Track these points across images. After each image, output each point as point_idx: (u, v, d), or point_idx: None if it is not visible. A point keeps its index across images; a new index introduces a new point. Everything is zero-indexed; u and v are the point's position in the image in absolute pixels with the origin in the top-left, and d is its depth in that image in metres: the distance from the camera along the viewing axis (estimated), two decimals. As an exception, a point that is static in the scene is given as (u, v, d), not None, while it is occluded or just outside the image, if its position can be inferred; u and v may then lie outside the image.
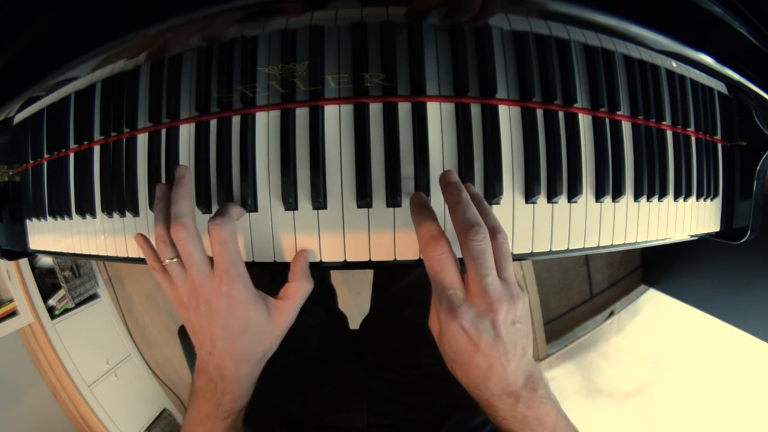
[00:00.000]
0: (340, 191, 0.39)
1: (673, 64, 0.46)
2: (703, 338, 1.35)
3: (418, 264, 0.40)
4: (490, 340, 0.31)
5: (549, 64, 0.40)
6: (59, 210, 0.52)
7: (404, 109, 0.39)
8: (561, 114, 0.41)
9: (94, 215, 0.49)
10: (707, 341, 1.33)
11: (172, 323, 1.69)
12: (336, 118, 0.39)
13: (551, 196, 0.40)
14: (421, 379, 0.57)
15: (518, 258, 0.42)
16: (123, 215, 0.46)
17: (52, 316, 1.40)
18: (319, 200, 0.39)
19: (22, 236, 0.61)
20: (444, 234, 0.33)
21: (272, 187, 0.40)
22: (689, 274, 1.43)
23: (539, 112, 0.41)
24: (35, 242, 0.60)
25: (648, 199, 0.46)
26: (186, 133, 0.43)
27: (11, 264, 1.27)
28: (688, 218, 0.51)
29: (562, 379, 1.59)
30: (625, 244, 0.45)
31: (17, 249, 0.61)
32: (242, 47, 0.40)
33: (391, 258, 0.40)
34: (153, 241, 0.37)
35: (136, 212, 0.45)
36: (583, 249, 0.43)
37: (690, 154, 0.50)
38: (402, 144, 0.39)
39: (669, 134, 0.47)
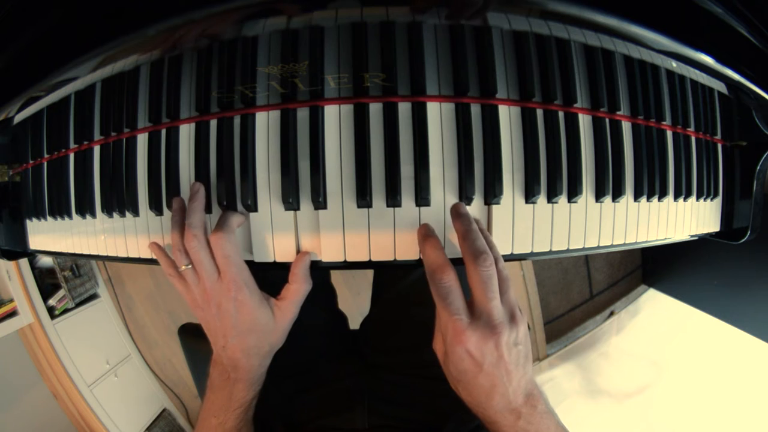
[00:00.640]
0: (340, 191, 0.39)
1: (673, 64, 0.46)
2: (703, 338, 1.35)
3: (418, 264, 0.40)
4: (493, 361, 0.33)
5: (549, 64, 0.40)
6: (59, 210, 0.52)
7: (404, 109, 0.39)
8: (561, 114, 0.41)
9: (94, 215, 0.49)
10: (707, 341, 1.33)
11: (172, 323, 1.69)
12: (336, 118, 0.39)
13: (551, 196, 0.40)
14: (422, 380, 0.57)
15: (518, 258, 0.42)
16: (123, 215, 0.46)
17: (52, 316, 1.40)
18: (319, 200, 0.39)
19: (22, 236, 0.61)
20: (450, 262, 0.35)
21: (272, 187, 0.40)
22: (689, 274, 1.43)
23: (539, 112, 0.41)
24: (35, 242, 0.60)
25: (648, 199, 0.46)
26: (186, 133, 0.43)
27: (11, 264, 1.27)
28: (688, 218, 0.51)
29: (562, 379, 1.59)
30: (625, 244, 0.45)
31: (17, 249, 0.61)
32: (242, 47, 0.40)
33: (391, 258, 0.40)
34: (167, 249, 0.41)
35: (136, 212, 0.45)
36: (583, 249, 0.43)
37: (690, 154, 0.50)
38: (402, 144, 0.38)
39: (669, 134, 0.47)
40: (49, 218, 0.55)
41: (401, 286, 0.68)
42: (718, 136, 0.54)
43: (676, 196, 0.48)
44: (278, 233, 0.41)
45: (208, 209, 0.42)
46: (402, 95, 0.39)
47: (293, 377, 0.58)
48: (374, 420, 0.52)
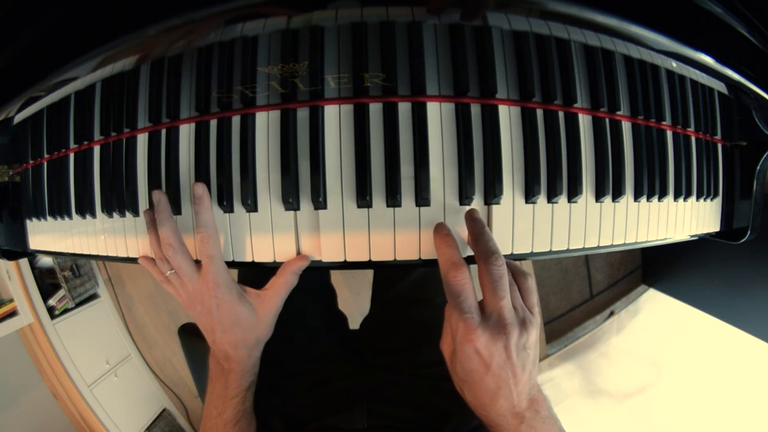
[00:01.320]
0: (340, 191, 0.39)
1: (673, 64, 0.46)
2: (703, 338, 1.35)
3: (418, 264, 0.40)
4: (501, 362, 0.34)
5: (549, 64, 0.40)
6: (59, 210, 0.52)
7: (404, 109, 0.39)
8: (561, 114, 0.41)
9: (94, 215, 0.49)
10: (707, 341, 1.33)
11: (172, 323, 1.69)
12: (336, 118, 0.39)
13: (551, 196, 0.40)
14: (421, 380, 0.57)
15: (518, 258, 0.42)
16: (123, 215, 0.46)
17: (52, 316, 1.40)
18: (319, 200, 0.39)
19: (22, 236, 0.61)
20: (464, 261, 0.36)
21: (272, 187, 0.40)
22: (689, 274, 1.43)
23: (539, 112, 0.41)
24: (35, 242, 0.60)
25: (648, 199, 0.45)
26: (186, 133, 0.43)
27: (11, 264, 1.27)
28: (688, 218, 0.51)
29: (562, 379, 1.59)
30: (625, 244, 0.45)
31: (17, 249, 0.61)
32: (242, 47, 0.40)
33: (391, 258, 0.40)
34: None
35: (136, 212, 0.45)
36: (583, 249, 0.43)
37: (690, 154, 0.50)
38: (402, 144, 0.38)
39: (669, 134, 0.47)
40: (49, 218, 0.55)
41: (401, 286, 0.68)
42: (718, 136, 0.54)
43: (676, 196, 0.48)
44: (278, 233, 0.41)
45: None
46: (402, 95, 0.39)
47: (293, 377, 0.58)
48: (374, 420, 0.52)
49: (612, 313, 1.69)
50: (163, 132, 0.43)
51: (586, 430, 1.42)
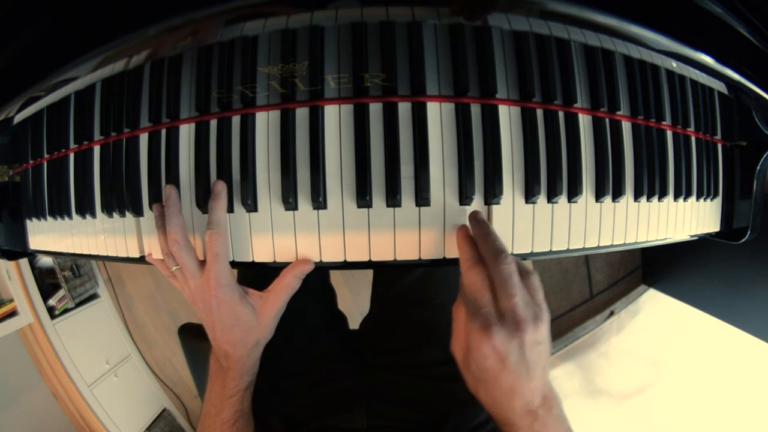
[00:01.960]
0: (340, 191, 0.39)
1: (673, 64, 0.46)
2: (703, 338, 1.35)
3: (418, 264, 0.40)
4: (516, 360, 0.33)
5: (549, 64, 0.40)
6: (59, 210, 0.52)
7: (404, 109, 0.39)
8: (561, 114, 0.41)
9: (94, 215, 0.49)
10: (707, 341, 1.33)
11: (172, 323, 1.69)
12: (336, 118, 0.39)
13: (551, 196, 0.40)
14: (421, 380, 0.56)
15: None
16: (123, 215, 0.46)
17: (52, 316, 1.40)
18: (319, 200, 0.39)
19: (22, 236, 0.61)
20: (482, 261, 0.36)
21: (272, 187, 0.40)
22: (689, 274, 1.43)
23: (539, 112, 0.41)
24: (35, 242, 0.60)
25: (648, 199, 0.46)
26: (186, 133, 0.43)
27: (11, 264, 1.27)
28: (688, 218, 0.51)
29: (562, 379, 1.59)
30: (625, 244, 0.45)
31: (17, 249, 0.61)
32: (242, 47, 0.40)
33: (391, 258, 0.40)
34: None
35: (136, 212, 0.45)
36: (583, 249, 0.43)
37: (690, 154, 0.50)
38: (402, 144, 0.38)
39: (669, 134, 0.47)
40: (49, 218, 0.55)
41: (401, 286, 0.68)
42: (718, 136, 0.54)
43: (676, 196, 0.48)
44: (278, 233, 0.41)
45: (207, 210, 0.42)
46: (402, 95, 0.39)
47: (293, 377, 0.58)
48: (374, 420, 0.52)
49: (612, 313, 1.69)
50: (163, 132, 0.43)
51: (586, 430, 1.42)
